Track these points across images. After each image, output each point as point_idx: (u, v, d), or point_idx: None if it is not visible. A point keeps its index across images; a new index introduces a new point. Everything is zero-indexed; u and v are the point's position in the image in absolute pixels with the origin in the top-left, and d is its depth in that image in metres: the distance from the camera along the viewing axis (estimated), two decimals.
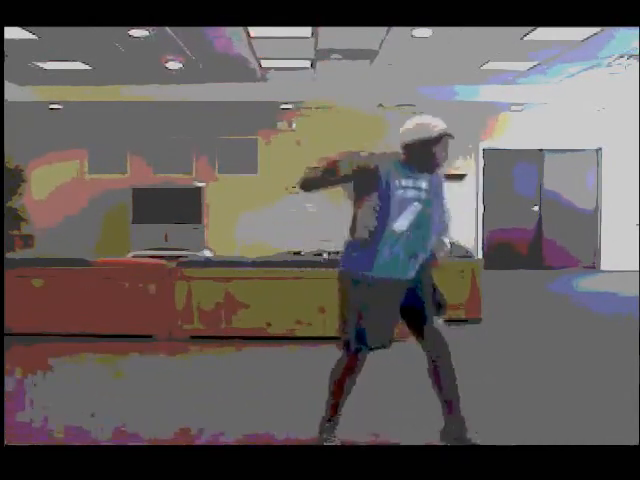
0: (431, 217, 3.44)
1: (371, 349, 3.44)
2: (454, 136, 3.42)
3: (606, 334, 6.48)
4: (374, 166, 3.34)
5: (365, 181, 3.36)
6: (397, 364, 5.33)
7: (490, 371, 5.20)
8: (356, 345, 3.40)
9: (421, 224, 3.39)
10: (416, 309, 3.51)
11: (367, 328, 3.37)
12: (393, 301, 3.44)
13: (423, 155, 3.41)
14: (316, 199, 11.33)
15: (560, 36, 7.24)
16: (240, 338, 6.04)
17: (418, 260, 3.44)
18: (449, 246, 3.64)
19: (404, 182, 3.37)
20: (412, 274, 3.44)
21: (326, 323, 6.06)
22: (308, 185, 3.48)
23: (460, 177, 11.21)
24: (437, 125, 3.42)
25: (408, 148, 3.43)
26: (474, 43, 7.63)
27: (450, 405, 3.55)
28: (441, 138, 3.40)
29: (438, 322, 3.54)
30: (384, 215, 3.32)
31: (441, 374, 3.52)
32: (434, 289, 3.58)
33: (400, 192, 3.35)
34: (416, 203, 3.38)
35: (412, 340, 5.93)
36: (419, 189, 3.41)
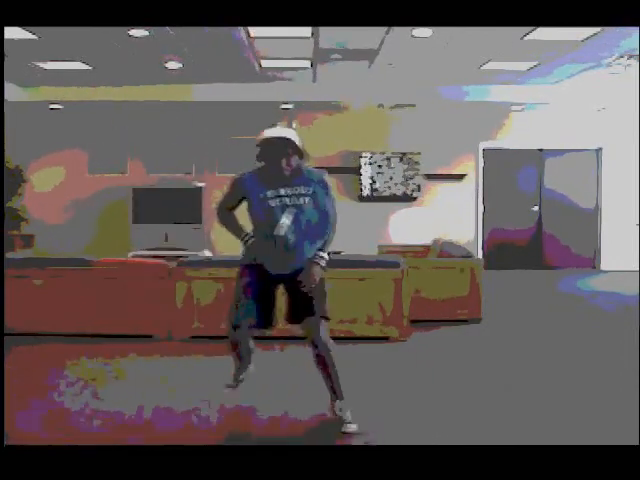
0: (299, 219, 3.69)
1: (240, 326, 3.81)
2: (275, 140, 3.62)
3: (606, 334, 6.48)
4: (237, 186, 3.85)
5: (240, 196, 3.89)
6: (398, 364, 5.34)
7: (490, 371, 5.20)
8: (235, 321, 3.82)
9: (284, 225, 3.68)
10: (290, 302, 3.90)
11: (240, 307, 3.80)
12: (265, 286, 3.84)
13: (267, 164, 3.72)
14: None
15: (560, 36, 7.24)
16: None
17: (291, 256, 3.69)
18: (325, 258, 3.80)
19: (261, 195, 3.73)
20: (287, 269, 3.75)
21: None
22: (221, 212, 4.02)
23: (460, 177, 11.23)
24: (262, 135, 3.69)
25: (258, 161, 3.76)
26: (474, 43, 7.63)
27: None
28: (262, 146, 3.66)
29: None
30: (255, 220, 3.81)
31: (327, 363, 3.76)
32: (310, 295, 3.77)
33: (261, 202, 3.73)
34: (276, 210, 3.70)
35: (411, 340, 5.95)
36: (279, 197, 3.71)
